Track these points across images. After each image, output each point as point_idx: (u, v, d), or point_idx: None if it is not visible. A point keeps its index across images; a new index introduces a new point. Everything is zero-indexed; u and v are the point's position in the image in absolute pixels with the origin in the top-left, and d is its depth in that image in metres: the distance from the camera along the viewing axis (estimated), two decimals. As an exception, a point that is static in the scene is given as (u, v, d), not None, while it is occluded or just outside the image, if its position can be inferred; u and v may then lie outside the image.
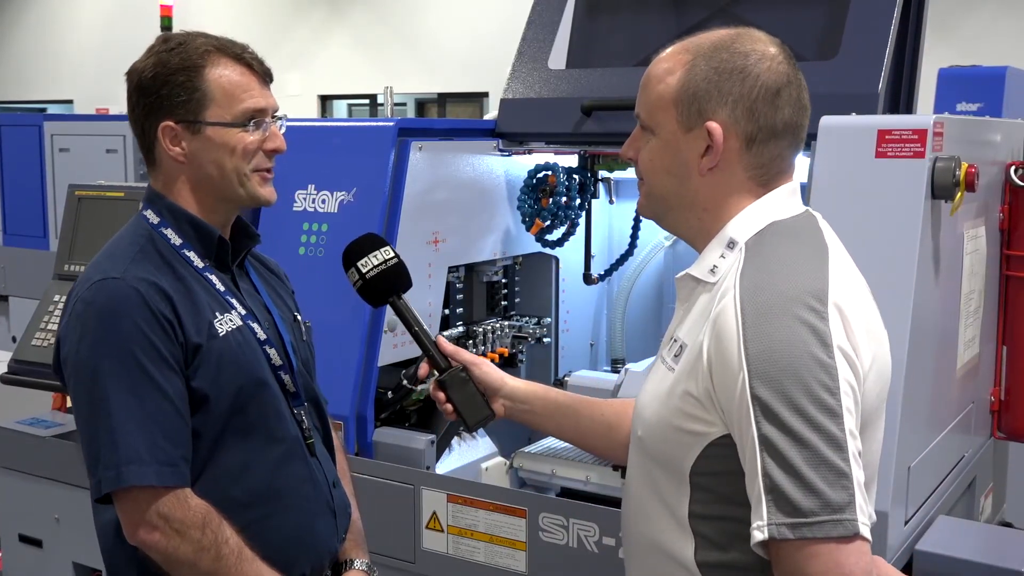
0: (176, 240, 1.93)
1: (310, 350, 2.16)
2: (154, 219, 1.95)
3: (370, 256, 1.99)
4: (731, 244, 1.60)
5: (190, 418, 1.84)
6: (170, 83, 1.88)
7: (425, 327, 2.03)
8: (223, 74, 1.90)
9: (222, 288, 1.94)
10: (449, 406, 1.99)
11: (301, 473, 1.98)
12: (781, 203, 1.64)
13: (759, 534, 1.40)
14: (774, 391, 1.41)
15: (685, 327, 1.61)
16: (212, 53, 1.91)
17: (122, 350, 1.77)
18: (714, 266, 1.60)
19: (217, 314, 1.90)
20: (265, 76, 1.98)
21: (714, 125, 1.58)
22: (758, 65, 1.60)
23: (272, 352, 1.97)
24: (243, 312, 1.95)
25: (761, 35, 1.64)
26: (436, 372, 2.00)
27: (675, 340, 1.62)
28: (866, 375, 1.50)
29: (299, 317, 2.15)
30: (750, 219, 1.61)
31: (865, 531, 1.39)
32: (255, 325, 1.95)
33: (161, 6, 5.54)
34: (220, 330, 1.88)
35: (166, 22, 5.42)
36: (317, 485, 2.00)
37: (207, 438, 1.86)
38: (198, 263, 1.93)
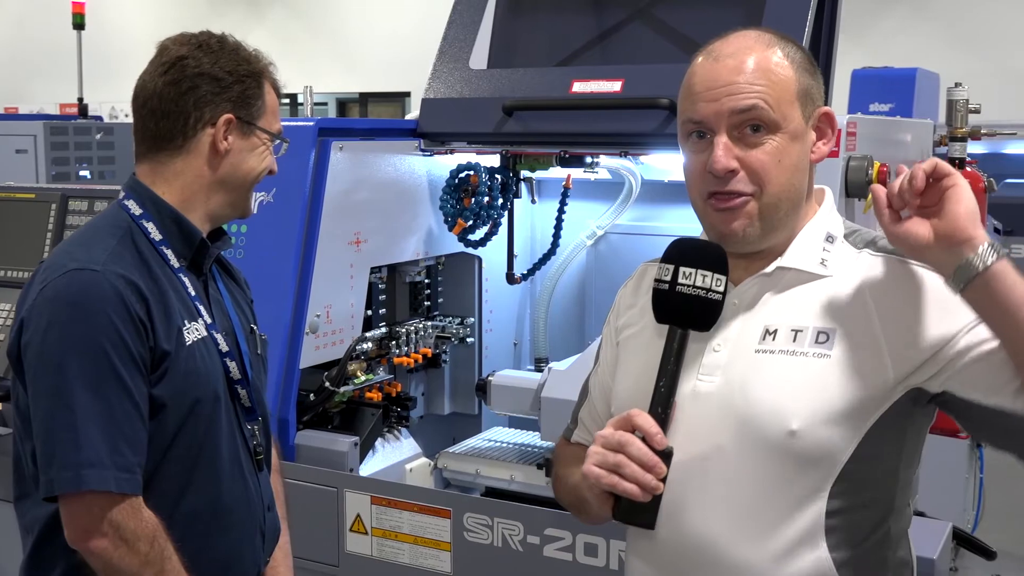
0: (156, 235, 1.87)
1: (263, 363, 2.11)
2: (136, 210, 1.88)
3: (700, 272, 1.59)
4: (830, 238, 1.63)
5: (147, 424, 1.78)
6: (244, 83, 1.93)
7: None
8: (271, 91, 2.00)
9: (193, 292, 1.89)
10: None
11: (241, 494, 1.93)
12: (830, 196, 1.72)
13: None
14: None
15: (813, 316, 1.57)
16: (267, 69, 2.00)
17: (93, 346, 1.70)
18: (823, 259, 1.61)
19: (186, 321, 1.84)
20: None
21: (830, 109, 1.64)
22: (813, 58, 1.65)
23: (232, 365, 1.92)
24: (209, 321, 1.90)
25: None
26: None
27: (801, 330, 1.56)
28: None
29: (256, 329, 2.10)
30: (833, 209, 1.68)
31: None
32: (218, 336, 1.91)
33: (73, 3, 5.41)
34: (188, 339, 1.83)
35: (78, 19, 5.30)
36: (252, 506, 1.96)
37: (157, 447, 1.80)
38: (174, 262, 1.88)
